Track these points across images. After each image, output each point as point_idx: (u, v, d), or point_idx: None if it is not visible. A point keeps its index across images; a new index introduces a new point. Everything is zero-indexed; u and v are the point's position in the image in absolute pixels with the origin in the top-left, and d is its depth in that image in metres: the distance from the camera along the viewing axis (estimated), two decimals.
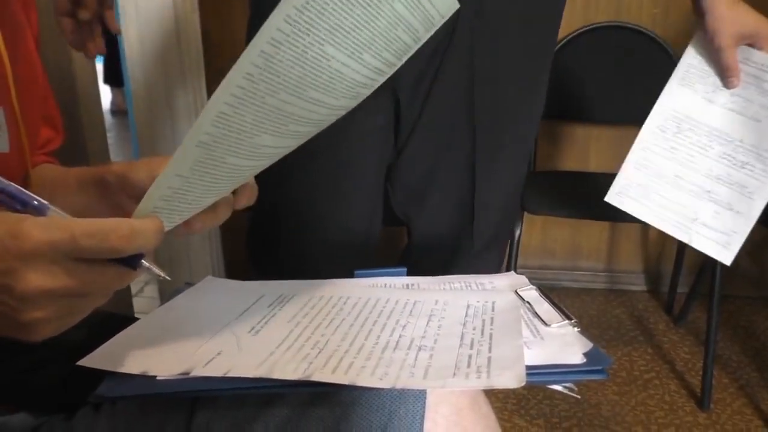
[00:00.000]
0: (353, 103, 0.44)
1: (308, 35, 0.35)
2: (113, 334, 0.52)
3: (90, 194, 0.57)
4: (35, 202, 0.39)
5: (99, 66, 2.06)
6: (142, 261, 0.39)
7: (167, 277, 0.42)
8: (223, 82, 0.35)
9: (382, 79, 0.44)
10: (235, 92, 0.36)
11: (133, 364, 0.48)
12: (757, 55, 0.87)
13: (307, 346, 0.50)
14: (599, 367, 0.48)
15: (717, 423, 1.50)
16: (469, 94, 0.93)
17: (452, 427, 0.48)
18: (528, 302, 0.60)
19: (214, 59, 1.66)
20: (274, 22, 0.34)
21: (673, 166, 0.92)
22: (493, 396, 1.54)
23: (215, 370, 0.46)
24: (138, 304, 1.79)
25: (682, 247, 1.90)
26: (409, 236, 1.08)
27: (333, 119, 0.45)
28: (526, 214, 1.60)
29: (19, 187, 0.39)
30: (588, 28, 1.76)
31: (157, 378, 0.46)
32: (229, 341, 0.52)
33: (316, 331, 0.53)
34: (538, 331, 0.54)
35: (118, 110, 4.21)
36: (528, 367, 0.45)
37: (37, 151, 0.67)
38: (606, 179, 0.95)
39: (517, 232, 1.59)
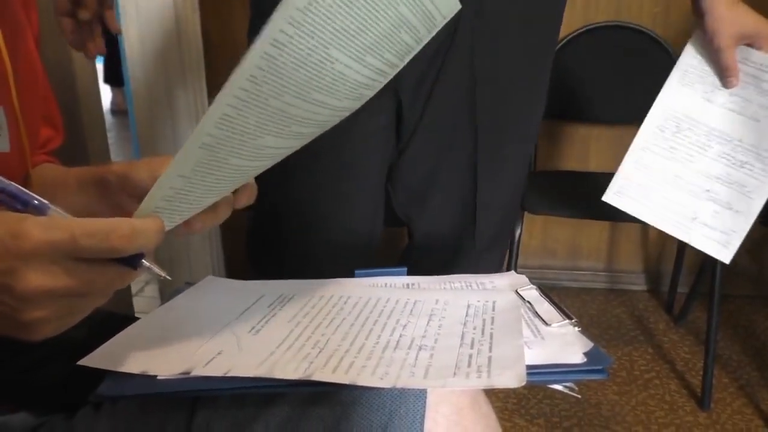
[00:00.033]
0: (356, 105, 0.44)
1: (312, 38, 0.35)
2: (113, 334, 0.52)
3: (90, 194, 0.56)
4: (36, 202, 0.39)
5: (99, 65, 2.06)
6: (143, 261, 0.39)
7: (167, 277, 0.42)
8: (227, 85, 0.35)
9: (384, 81, 0.44)
10: (238, 94, 0.36)
11: (134, 364, 0.48)
12: (756, 55, 0.88)
13: (307, 346, 0.50)
14: (599, 367, 0.48)
15: (717, 423, 1.50)
16: (470, 94, 0.93)
17: (453, 426, 0.48)
18: (528, 302, 0.60)
19: (214, 59, 1.66)
20: (277, 24, 0.34)
21: (672, 165, 0.92)
22: (494, 395, 1.54)
23: (215, 369, 0.46)
24: (138, 303, 1.79)
25: (682, 247, 1.90)
26: (409, 236, 1.08)
27: (336, 120, 0.45)
28: (526, 213, 1.60)
29: (20, 187, 0.39)
30: (588, 27, 1.76)
31: (158, 377, 0.46)
32: (230, 341, 0.52)
33: (316, 330, 0.53)
34: (538, 331, 0.54)
35: (118, 110, 4.21)
36: (528, 367, 0.45)
37: (38, 151, 0.67)
38: (606, 179, 0.95)
39: (518, 232, 1.59)
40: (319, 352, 0.49)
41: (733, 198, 0.89)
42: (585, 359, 0.49)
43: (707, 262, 1.65)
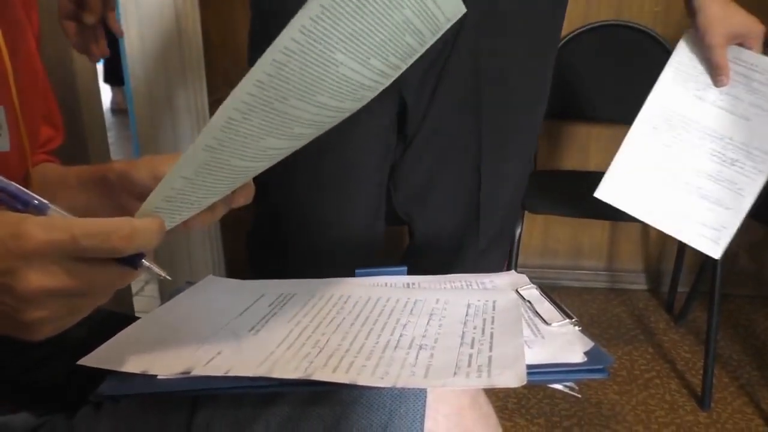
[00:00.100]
0: (357, 106, 0.45)
1: (320, 43, 0.36)
2: (114, 333, 0.52)
3: (91, 193, 0.56)
4: (36, 202, 0.39)
5: (99, 65, 2.06)
6: (143, 260, 0.39)
7: (168, 277, 0.42)
8: (235, 90, 0.36)
9: (387, 83, 0.44)
10: (245, 99, 0.36)
11: (134, 364, 0.48)
12: (747, 54, 0.88)
13: (307, 346, 0.50)
14: (600, 366, 0.48)
15: (717, 422, 1.50)
16: (474, 94, 0.93)
17: (453, 426, 0.48)
18: (529, 301, 0.60)
19: (214, 59, 1.66)
20: (289, 32, 0.34)
21: (663, 162, 0.93)
22: (494, 395, 1.54)
23: (216, 369, 0.46)
24: (138, 303, 1.79)
25: (683, 247, 1.90)
26: (411, 236, 1.08)
27: (337, 121, 0.45)
28: (527, 213, 1.60)
29: (20, 187, 0.39)
30: (589, 26, 1.76)
31: (158, 377, 0.46)
32: (230, 340, 0.52)
33: (316, 330, 0.53)
34: (538, 330, 0.54)
35: (118, 109, 4.21)
36: (529, 366, 0.45)
37: (38, 150, 0.67)
38: None
39: (518, 231, 1.59)
40: (319, 351, 0.49)
41: (724, 195, 0.90)
42: (585, 359, 0.49)
43: (707, 261, 1.65)
